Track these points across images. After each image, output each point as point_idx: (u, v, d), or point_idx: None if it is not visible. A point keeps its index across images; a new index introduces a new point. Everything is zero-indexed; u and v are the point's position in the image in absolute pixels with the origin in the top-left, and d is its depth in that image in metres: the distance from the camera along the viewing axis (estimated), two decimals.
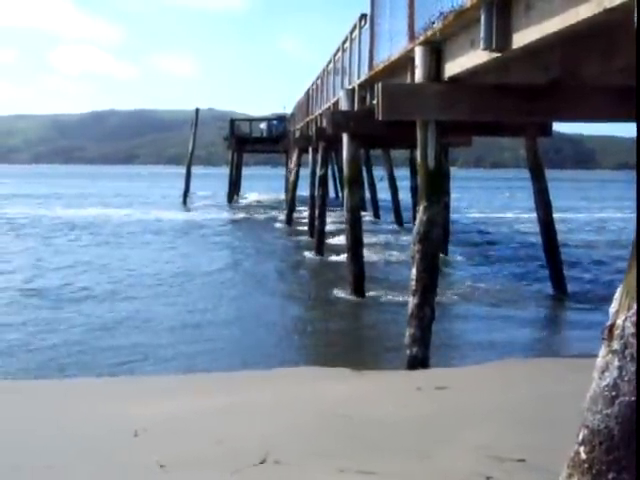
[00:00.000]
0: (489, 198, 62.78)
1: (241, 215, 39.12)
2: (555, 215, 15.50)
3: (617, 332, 3.33)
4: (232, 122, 48.11)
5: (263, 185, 74.86)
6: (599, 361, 3.42)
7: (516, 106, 8.95)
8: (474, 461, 4.41)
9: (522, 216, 37.79)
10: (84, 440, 5.14)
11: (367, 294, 14.55)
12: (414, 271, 8.87)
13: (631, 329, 3.28)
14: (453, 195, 22.91)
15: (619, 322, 3.34)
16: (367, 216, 36.70)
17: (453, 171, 23.47)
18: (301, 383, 7.19)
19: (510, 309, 13.83)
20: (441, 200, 9.00)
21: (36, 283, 15.74)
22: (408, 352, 8.88)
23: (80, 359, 9.61)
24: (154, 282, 16.30)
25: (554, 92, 8.97)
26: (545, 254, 15.32)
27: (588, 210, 46.22)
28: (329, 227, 23.64)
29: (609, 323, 3.40)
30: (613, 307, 3.41)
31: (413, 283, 8.88)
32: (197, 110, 47.33)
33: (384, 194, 34.34)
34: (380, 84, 9.00)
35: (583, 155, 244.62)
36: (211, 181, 78.06)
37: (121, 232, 28.14)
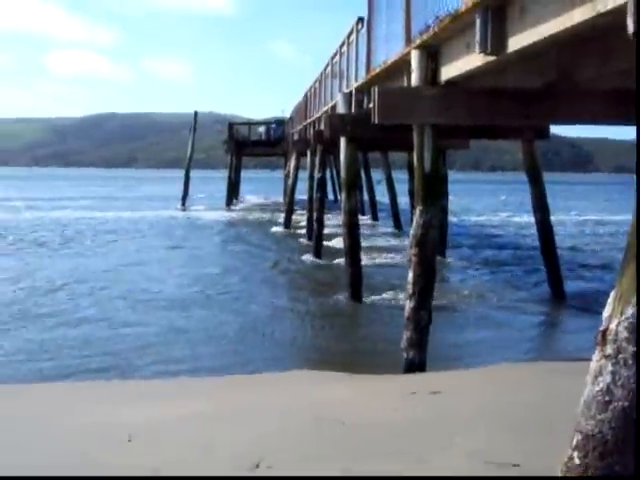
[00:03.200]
0: (487, 201, 62.75)
1: (239, 218, 39.13)
2: (554, 217, 15.51)
3: (610, 337, 3.32)
4: (231, 126, 48.18)
5: (262, 188, 74.82)
6: (593, 366, 3.41)
7: (512, 109, 8.96)
8: (469, 466, 4.40)
9: (519, 219, 37.81)
10: (73, 446, 5.12)
11: (365, 298, 14.51)
12: (411, 274, 8.86)
13: (624, 334, 3.27)
14: (450, 198, 22.94)
15: (612, 327, 3.33)
16: (366, 219, 36.77)
17: (451, 174, 23.51)
18: (295, 387, 7.17)
19: (507, 313, 13.82)
20: (437, 203, 9.00)
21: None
22: (405, 356, 8.87)
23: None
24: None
25: (550, 95, 8.97)
26: (543, 257, 15.32)
27: (586, 213, 46.17)
28: (328, 230, 23.60)
29: (602, 328, 3.39)
30: (606, 312, 3.40)
31: (410, 286, 8.88)
32: (196, 113, 47.50)
33: (383, 197, 34.37)
34: (376, 88, 9.00)
35: (581, 158, 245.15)
36: (210, 184, 77.95)
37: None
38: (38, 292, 15.09)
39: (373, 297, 14.70)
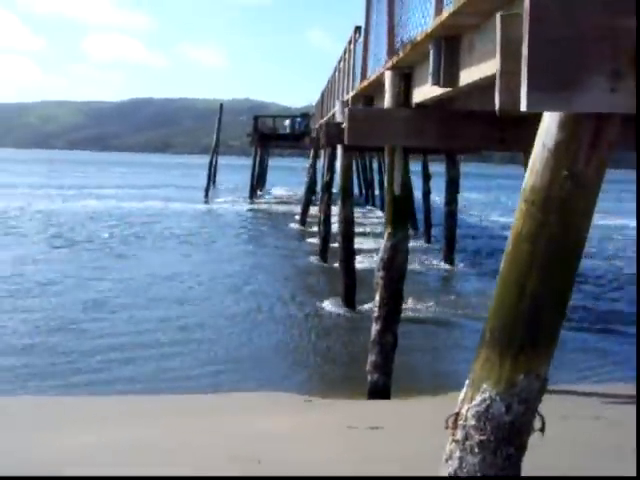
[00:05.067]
0: (510, 199, 61.71)
1: (260, 213, 39.22)
2: None
3: (460, 422, 3.26)
4: (256, 118, 48.27)
5: (291, 179, 74.53)
6: (446, 448, 3.35)
7: (487, 134, 8.79)
8: None
9: None
10: None
11: (360, 306, 14.39)
12: (377, 298, 8.80)
13: (472, 421, 3.21)
14: (473, 196, 22.52)
15: (463, 412, 3.27)
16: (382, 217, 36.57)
17: (482, 168, 23.27)
18: (235, 415, 7.12)
19: None
20: (406, 226, 8.90)
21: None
22: (369, 379, 8.83)
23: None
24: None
25: (527, 120, 8.78)
26: None
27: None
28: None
29: (455, 411, 3.33)
30: (461, 395, 3.33)
31: (376, 309, 8.83)
32: (221, 105, 48.11)
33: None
34: (347, 109, 8.91)
35: None
36: (241, 173, 77.65)
37: None
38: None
39: (369, 306, 14.55)
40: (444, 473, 3.30)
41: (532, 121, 8.54)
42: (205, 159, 57.02)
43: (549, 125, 3.11)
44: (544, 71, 2.86)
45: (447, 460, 3.30)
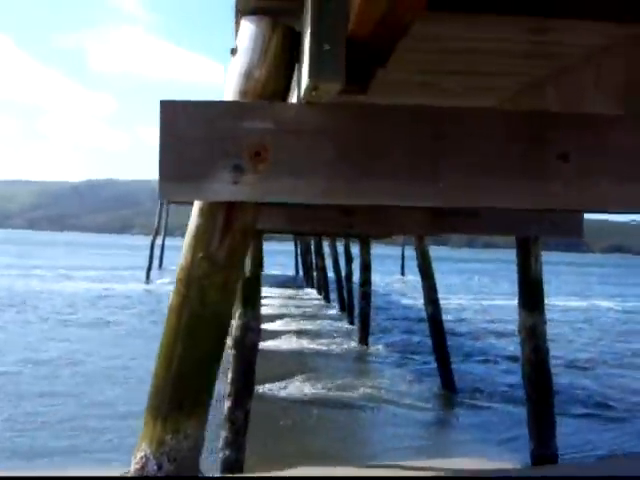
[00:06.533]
0: (462, 283, 62.85)
1: None
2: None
3: None
4: None
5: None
6: None
7: (335, 218, 9.32)
8: None
9: (471, 302, 38.03)
10: None
11: (260, 386, 14.51)
12: (230, 375, 9.08)
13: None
14: (417, 278, 22.61)
15: (130, 470, 3.58)
16: (317, 300, 37.05)
17: (446, 251, 23.71)
18: None
19: (395, 408, 13.83)
20: (257, 307, 9.26)
21: None
22: (221, 455, 9.01)
23: None
24: None
25: (373, 209, 9.32)
26: (434, 350, 15.45)
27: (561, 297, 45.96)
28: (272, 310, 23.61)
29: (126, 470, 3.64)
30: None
31: (228, 387, 9.09)
32: None
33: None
34: None
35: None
36: None
37: None
38: None
39: (268, 385, 14.70)
40: None
41: (377, 209, 9.04)
42: (167, 241, 57.33)
43: (193, 212, 3.55)
44: (175, 165, 3.32)
45: None
